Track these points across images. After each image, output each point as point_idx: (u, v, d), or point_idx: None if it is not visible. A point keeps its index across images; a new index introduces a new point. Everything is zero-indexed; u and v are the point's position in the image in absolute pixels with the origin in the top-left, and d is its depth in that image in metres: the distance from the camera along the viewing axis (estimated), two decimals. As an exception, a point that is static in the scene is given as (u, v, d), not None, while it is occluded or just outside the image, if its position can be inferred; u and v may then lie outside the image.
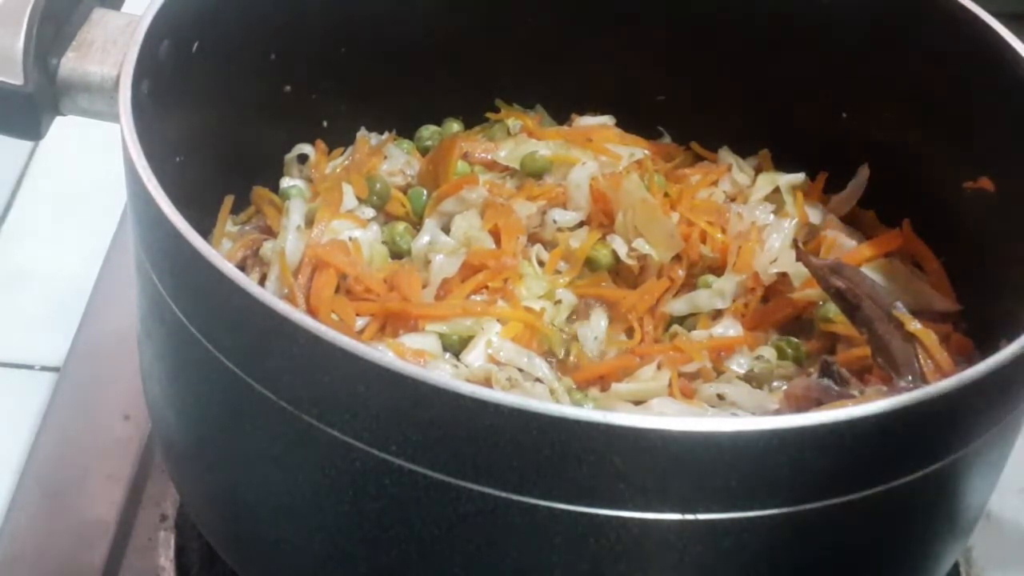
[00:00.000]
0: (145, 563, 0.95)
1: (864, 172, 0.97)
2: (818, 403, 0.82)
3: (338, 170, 0.97)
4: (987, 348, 0.74)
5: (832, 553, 0.74)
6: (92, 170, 1.18)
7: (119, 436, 1.02)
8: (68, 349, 1.09)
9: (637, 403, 0.85)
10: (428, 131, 1.01)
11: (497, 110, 1.02)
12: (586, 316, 0.90)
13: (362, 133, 1.00)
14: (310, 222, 0.92)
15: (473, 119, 1.02)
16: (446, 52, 0.99)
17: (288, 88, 0.96)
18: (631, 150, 0.98)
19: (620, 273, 0.93)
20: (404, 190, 0.97)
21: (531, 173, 0.96)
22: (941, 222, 0.93)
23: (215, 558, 0.85)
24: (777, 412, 0.84)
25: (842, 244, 0.95)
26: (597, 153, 0.97)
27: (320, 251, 0.89)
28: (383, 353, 0.67)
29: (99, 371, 1.06)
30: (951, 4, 0.88)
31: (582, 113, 1.02)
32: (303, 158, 0.98)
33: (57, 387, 1.06)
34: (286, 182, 0.97)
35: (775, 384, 0.88)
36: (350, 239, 0.91)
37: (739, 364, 0.88)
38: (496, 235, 0.91)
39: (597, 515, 0.67)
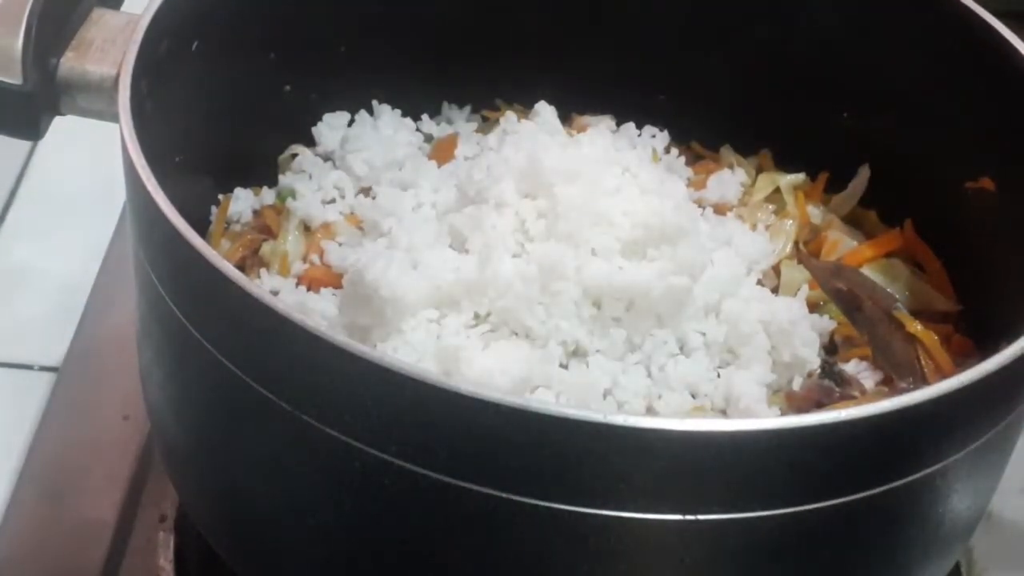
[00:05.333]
0: (144, 563, 0.95)
1: (865, 172, 0.97)
2: (819, 404, 0.82)
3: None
4: (987, 348, 0.74)
5: (832, 553, 0.74)
6: (91, 170, 1.18)
7: (118, 436, 1.02)
8: (67, 349, 1.08)
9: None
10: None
11: (498, 109, 1.02)
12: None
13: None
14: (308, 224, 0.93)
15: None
16: (446, 52, 0.99)
17: (288, 88, 0.96)
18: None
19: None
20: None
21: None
22: (941, 222, 0.93)
23: (215, 558, 0.85)
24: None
25: (843, 244, 0.95)
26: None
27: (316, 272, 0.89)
28: (383, 353, 0.67)
29: (98, 371, 1.06)
30: (952, 3, 0.88)
31: (582, 113, 1.02)
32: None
33: (56, 387, 1.06)
34: (285, 181, 0.97)
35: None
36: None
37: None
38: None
39: (597, 515, 0.67)
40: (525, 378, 0.79)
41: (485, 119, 1.02)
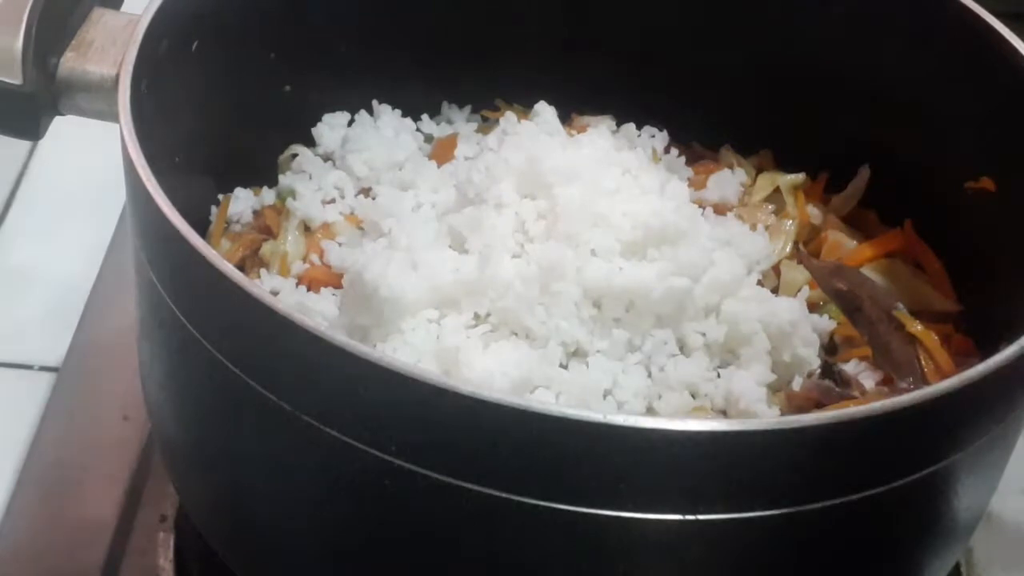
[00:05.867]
0: (144, 563, 0.95)
1: (865, 172, 0.97)
2: (819, 404, 0.82)
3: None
4: (987, 348, 0.74)
5: (832, 553, 0.74)
6: (92, 170, 1.17)
7: (118, 436, 1.02)
8: (67, 349, 1.08)
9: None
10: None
11: (498, 110, 1.02)
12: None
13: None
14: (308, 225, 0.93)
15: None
16: (446, 52, 0.99)
17: (288, 88, 0.96)
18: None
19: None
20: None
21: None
22: (942, 222, 0.93)
23: (214, 558, 0.85)
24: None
25: (843, 244, 0.95)
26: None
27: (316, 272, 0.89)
28: (383, 353, 0.67)
29: (98, 371, 1.06)
30: (952, 3, 0.88)
31: (582, 113, 1.01)
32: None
33: (56, 387, 1.06)
34: (285, 181, 0.97)
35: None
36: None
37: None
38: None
39: (597, 515, 0.67)
40: (525, 378, 0.79)
41: (485, 119, 1.02)
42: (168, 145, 0.81)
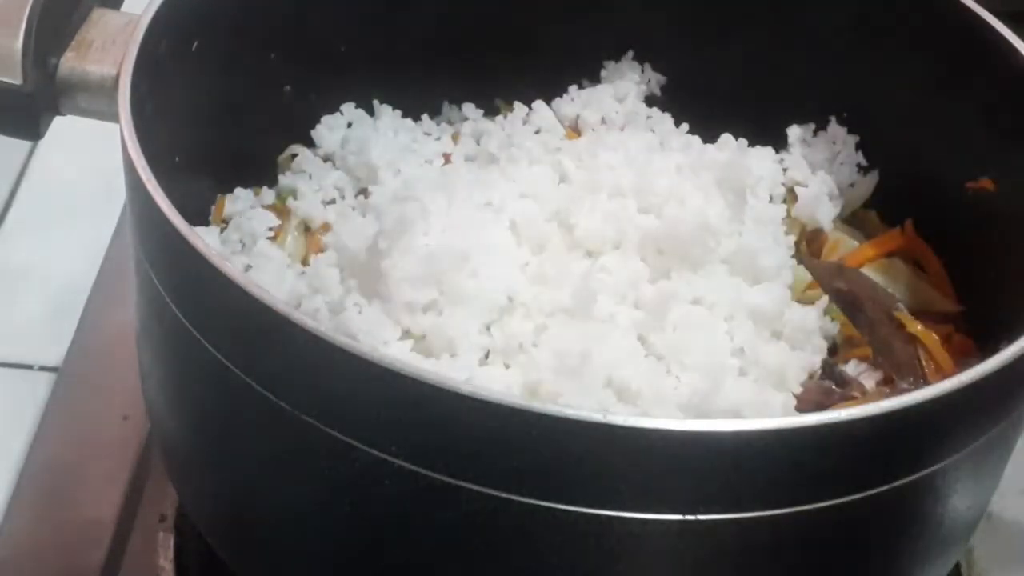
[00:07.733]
0: (144, 563, 0.95)
1: (873, 176, 0.97)
2: (819, 404, 0.82)
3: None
4: (988, 348, 0.74)
5: (832, 553, 0.74)
6: (91, 170, 1.18)
7: (118, 436, 1.02)
8: (67, 349, 1.09)
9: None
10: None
11: (498, 109, 1.02)
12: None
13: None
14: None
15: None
16: (447, 52, 0.99)
17: (288, 88, 0.96)
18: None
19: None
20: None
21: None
22: (941, 222, 0.93)
23: (214, 558, 0.85)
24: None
25: (844, 244, 0.95)
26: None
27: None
28: (383, 353, 0.67)
29: (98, 371, 1.06)
30: (952, 3, 0.88)
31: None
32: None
33: (56, 387, 1.06)
34: (285, 181, 0.96)
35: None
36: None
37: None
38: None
39: (597, 515, 0.67)
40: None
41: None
42: (168, 145, 0.81)
